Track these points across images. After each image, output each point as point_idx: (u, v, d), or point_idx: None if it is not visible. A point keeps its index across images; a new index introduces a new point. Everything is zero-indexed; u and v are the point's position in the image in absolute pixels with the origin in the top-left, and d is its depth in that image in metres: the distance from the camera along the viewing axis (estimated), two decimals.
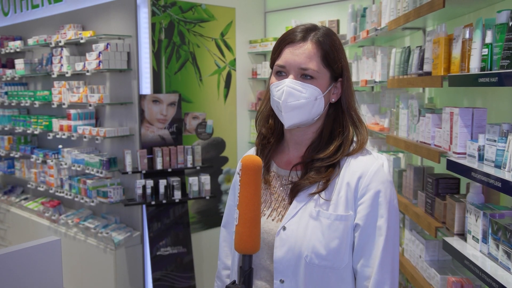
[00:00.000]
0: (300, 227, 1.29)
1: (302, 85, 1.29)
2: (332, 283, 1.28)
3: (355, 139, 1.38)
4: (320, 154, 1.34)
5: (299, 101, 1.29)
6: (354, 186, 1.29)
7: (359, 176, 1.30)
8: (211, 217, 4.69)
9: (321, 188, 1.31)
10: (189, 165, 4.17)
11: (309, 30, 1.33)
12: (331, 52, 1.32)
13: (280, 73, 1.33)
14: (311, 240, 1.27)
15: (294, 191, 1.34)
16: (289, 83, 1.29)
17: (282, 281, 1.30)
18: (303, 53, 1.30)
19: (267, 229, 1.34)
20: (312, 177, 1.32)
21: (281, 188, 1.39)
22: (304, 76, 1.30)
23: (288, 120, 1.31)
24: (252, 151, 1.52)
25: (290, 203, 1.34)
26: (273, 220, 1.35)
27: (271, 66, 1.38)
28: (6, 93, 5.54)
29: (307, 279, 1.27)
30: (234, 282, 1.21)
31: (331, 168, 1.32)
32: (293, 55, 1.30)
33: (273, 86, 1.33)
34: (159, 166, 4.05)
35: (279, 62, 1.33)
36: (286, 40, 1.33)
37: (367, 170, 1.30)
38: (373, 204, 1.28)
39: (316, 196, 1.31)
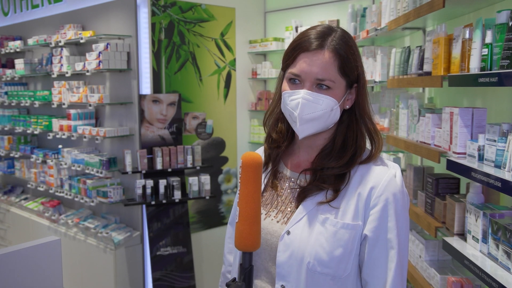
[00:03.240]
0: (304, 232, 1.27)
1: (318, 97, 1.24)
2: None
3: (368, 146, 1.34)
4: (332, 162, 1.30)
5: (315, 113, 1.25)
6: (365, 196, 1.26)
7: (371, 187, 1.26)
8: (211, 217, 4.69)
9: (330, 198, 1.27)
10: (189, 165, 4.17)
11: (325, 35, 1.26)
12: (348, 61, 1.26)
13: (294, 81, 1.28)
14: (314, 247, 1.25)
15: (301, 196, 1.31)
16: (305, 94, 1.24)
17: (283, 287, 1.28)
18: (320, 63, 1.24)
19: (271, 230, 1.33)
20: (321, 185, 1.29)
21: (288, 191, 1.36)
22: (320, 86, 1.25)
23: (303, 131, 1.28)
24: (260, 151, 1.49)
25: (297, 207, 1.32)
26: (278, 222, 1.33)
27: (283, 70, 1.33)
28: (6, 93, 5.54)
29: (308, 286, 1.26)
30: (234, 280, 1.21)
31: (340, 179, 1.29)
32: (309, 64, 1.24)
33: (286, 94, 1.28)
34: (159, 166, 4.05)
35: (294, 70, 1.27)
36: (301, 47, 1.26)
37: (379, 181, 1.26)
38: (385, 216, 1.25)
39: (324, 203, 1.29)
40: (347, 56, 1.26)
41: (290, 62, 1.29)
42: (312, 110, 1.25)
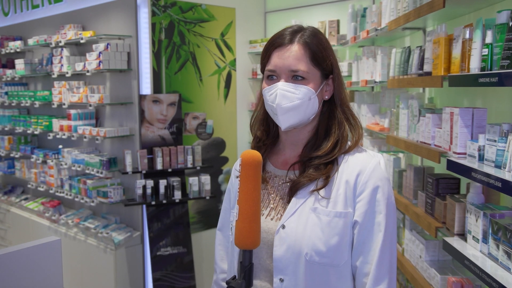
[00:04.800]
0: (299, 225, 1.30)
1: (295, 87, 1.31)
2: (332, 280, 1.29)
3: (350, 135, 1.39)
4: (318, 151, 1.35)
5: (293, 102, 1.30)
6: (352, 183, 1.30)
7: (357, 173, 1.31)
8: (211, 217, 4.69)
9: (321, 185, 1.31)
10: (189, 165, 4.17)
11: (295, 32, 1.35)
12: (319, 51, 1.33)
13: (271, 77, 1.35)
14: (311, 238, 1.28)
15: (293, 189, 1.34)
16: (282, 86, 1.31)
17: (281, 280, 1.30)
18: (291, 56, 1.31)
19: (266, 228, 1.35)
20: (311, 174, 1.33)
21: (279, 188, 1.39)
22: (295, 77, 1.32)
23: (284, 122, 1.33)
24: None
25: (289, 201, 1.34)
26: (272, 219, 1.36)
27: (262, 71, 1.40)
28: (6, 93, 5.54)
29: (307, 277, 1.28)
30: (234, 277, 1.21)
31: (329, 165, 1.33)
32: (281, 58, 1.32)
33: (266, 90, 1.35)
34: (159, 166, 4.05)
35: (269, 66, 1.34)
36: (274, 44, 1.35)
37: (365, 168, 1.31)
38: (372, 201, 1.29)
39: (315, 194, 1.31)
40: (317, 47, 1.33)
41: (266, 61, 1.37)
42: (290, 100, 1.31)
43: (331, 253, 1.27)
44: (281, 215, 1.35)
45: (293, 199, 1.33)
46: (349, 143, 1.38)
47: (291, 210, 1.32)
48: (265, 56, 1.37)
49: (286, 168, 1.40)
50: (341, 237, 1.28)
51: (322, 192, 1.31)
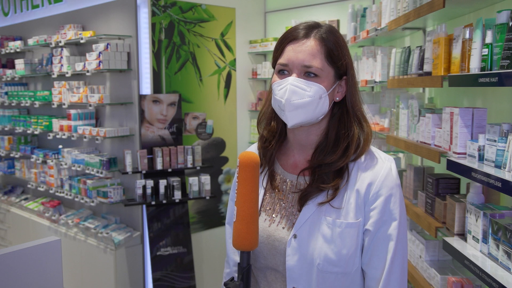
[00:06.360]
0: (311, 235, 1.28)
1: (307, 83, 1.24)
2: (344, 287, 1.28)
3: (361, 138, 1.34)
4: (328, 158, 1.30)
5: (303, 99, 1.24)
6: (363, 192, 1.27)
7: (369, 183, 1.28)
8: (211, 217, 4.69)
9: (330, 197, 1.28)
10: (189, 165, 4.17)
11: (311, 27, 1.29)
12: (335, 49, 1.27)
13: (283, 72, 1.29)
14: (322, 248, 1.26)
15: (303, 200, 1.31)
16: (293, 81, 1.24)
17: None
18: (306, 50, 1.25)
19: (278, 237, 1.33)
20: (321, 185, 1.29)
21: (289, 195, 1.36)
22: (308, 74, 1.25)
23: (291, 119, 1.26)
24: (253, 148, 1.49)
25: (299, 210, 1.31)
26: (283, 228, 1.33)
27: (273, 65, 1.34)
28: (6, 93, 5.54)
29: (320, 285, 1.27)
30: (232, 279, 1.21)
31: (339, 175, 1.30)
32: (295, 52, 1.26)
33: (275, 84, 1.28)
34: (159, 166, 4.05)
35: (281, 60, 1.28)
36: (288, 38, 1.29)
37: (376, 177, 1.28)
38: (384, 210, 1.26)
39: (326, 203, 1.29)
40: (333, 45, 1.28)
41: (278, 55, 1.31)
42: (300, 96, 1.25)
43: (343, 263, 1.26)
44: (293, 224, 1.32)
45: (304, 209, 1.30)
46: (360, 147, 1.33)
47: (302, 220, 1.29)
48: (278, 49, 1.30)
49: (296, 172, 1.36)
50: (352, 246, 1.26)
51: (333, 202, 1.28)
